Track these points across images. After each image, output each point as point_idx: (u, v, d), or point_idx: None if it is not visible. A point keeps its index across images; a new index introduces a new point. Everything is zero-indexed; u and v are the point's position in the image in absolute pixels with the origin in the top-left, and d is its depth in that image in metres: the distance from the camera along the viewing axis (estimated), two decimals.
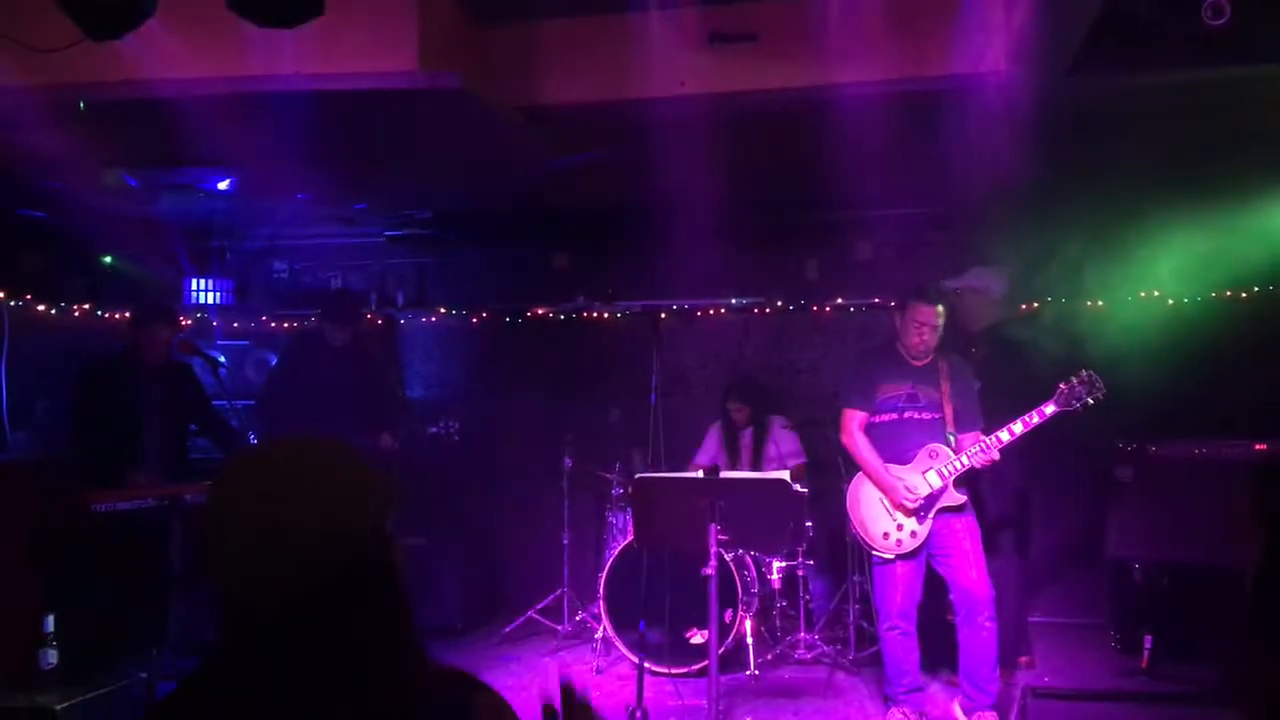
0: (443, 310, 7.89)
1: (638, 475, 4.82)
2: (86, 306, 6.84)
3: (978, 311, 5.76)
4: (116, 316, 7.02)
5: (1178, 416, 6.04)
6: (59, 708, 4.09)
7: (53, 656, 4.32)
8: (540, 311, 7.74)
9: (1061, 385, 4.78)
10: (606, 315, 7.67)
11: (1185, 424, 5.96)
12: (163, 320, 5.56)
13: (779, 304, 7.41)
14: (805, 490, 5.39)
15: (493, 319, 7.85)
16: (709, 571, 4.60)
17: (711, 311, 7.51)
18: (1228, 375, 6.12)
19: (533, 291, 7.78)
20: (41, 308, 6.52)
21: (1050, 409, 4.78)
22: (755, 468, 6.54)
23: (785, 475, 4.46)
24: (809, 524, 6.17)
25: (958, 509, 4.96)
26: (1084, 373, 4.80)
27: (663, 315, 7.35)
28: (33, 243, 6.33)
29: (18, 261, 6.22)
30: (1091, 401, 4.77)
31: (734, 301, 7.48)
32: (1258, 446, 5.63)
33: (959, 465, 4.90)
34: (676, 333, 7.27)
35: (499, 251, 7.82)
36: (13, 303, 6.25)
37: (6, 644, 4.50)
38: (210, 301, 7.54)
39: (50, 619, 4.35)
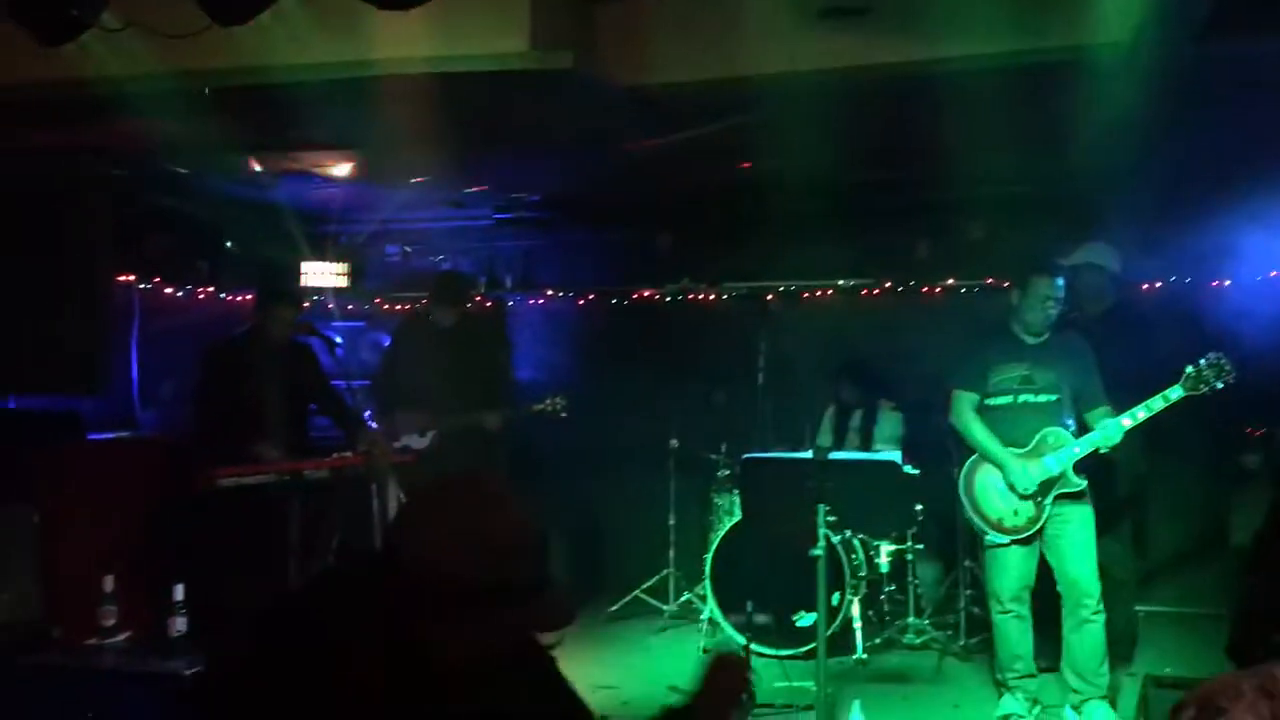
0: (549, 292, 7.97)
1: (745, 456, 4.81)
2: (210, 289, 7.08)
3: (1094, 290, 5.58)
4: (238, 299, 7.25)
5: None
6: (188, 673, 4.25)
7: (182, 624, 4.49)
8: (645, 293, 7.76)
9: (1189, 369, 4.62)
10: (712, 297, 7.66)
11: None
12: (284, 302, 5.72)
13: (888, 285, 7.30)
14: (915, 472, 5.30)
15: (599, 301, 7.90)
16: (817, 552, 4.58)
17: (819, 293, 7.44)
18: None
19: (638, 273, 7.80)
20: (169, 290, 6.77)
21: (1176, 393, 4.63)
22: (864, 450, 6.47)
23: (896, 456, 4.40)
24: (918, 508, 6.06)
25: (1075, 495, 4.83)
26: (1212, 355, 4.63)
27: (769, 297, 7.30)
28: (160, 227, 6.57)
29: (146, 246, 6.47)
30: (1220, 385, 4.61)
31: (841, 283, 7.40)
32: None
33: (1078, 450, 4.77)
34: (783, 314, 7.22)
35: (605, 233, 7.86)
36: (142, 285, 6.50)
37: (138, 611, 4.71)
38: (326, 284, 7.74)
39: (179, 588, 4.52)
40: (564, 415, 6.71)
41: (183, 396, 6.37)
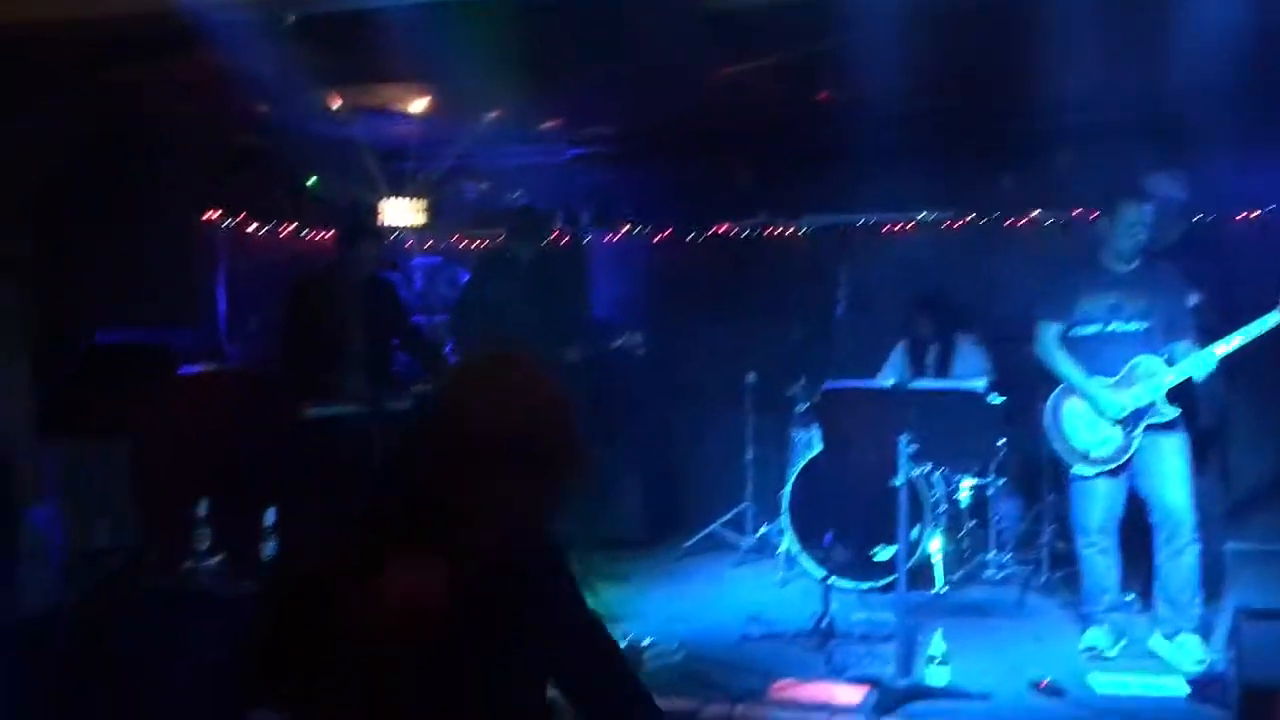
0: (625, 228, 7.94)
1: (826, 385, 4.77)
2: (292, 226, 7.18)
3: (1165, 221, 5.40)
4: (319, 236, 7.35)
5: None
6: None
7: (273, 547, 4.61)
8: (723, 229, 7.70)
9: None
10: (789, 231, 7.57)
11: None
12: (367, 238, 5.78)
13: (971, 217, 7.15)
14: (1000, 401, 5.21)
15: (675, 236, 7.85)
16: (898, 483, 4.55)
17: (899, 226, 7.32)
18: None
19: (716, 209, 7.73)
20: (252, 228, 6.88)
21: (1274, 319, 4.48)
22: None
23: (980, 384, 4.33)
24: (1001, 442, 5.96)
25: (1167, 425, 4.72)
26: None
27: (848, 230, 7.19)
28: (243, 164, 6.66)
29: (230, 182, 6.57)
30: None
31: (923, 215, 7.26)
32: None
33: (1170, 378, 4.65)
34: (862, 248, 7.11)
35: (682, 169, 7.78)
36: (226, 223, 6.62)
37: (231, 536, 4.84)
38: (405, 221, 7.80)
39: (270, 513, 4.64)
40: (641, 351, 6.73)
41: (268, 331, 6.51)
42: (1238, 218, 6.49)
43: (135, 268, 5.51)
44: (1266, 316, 4.50)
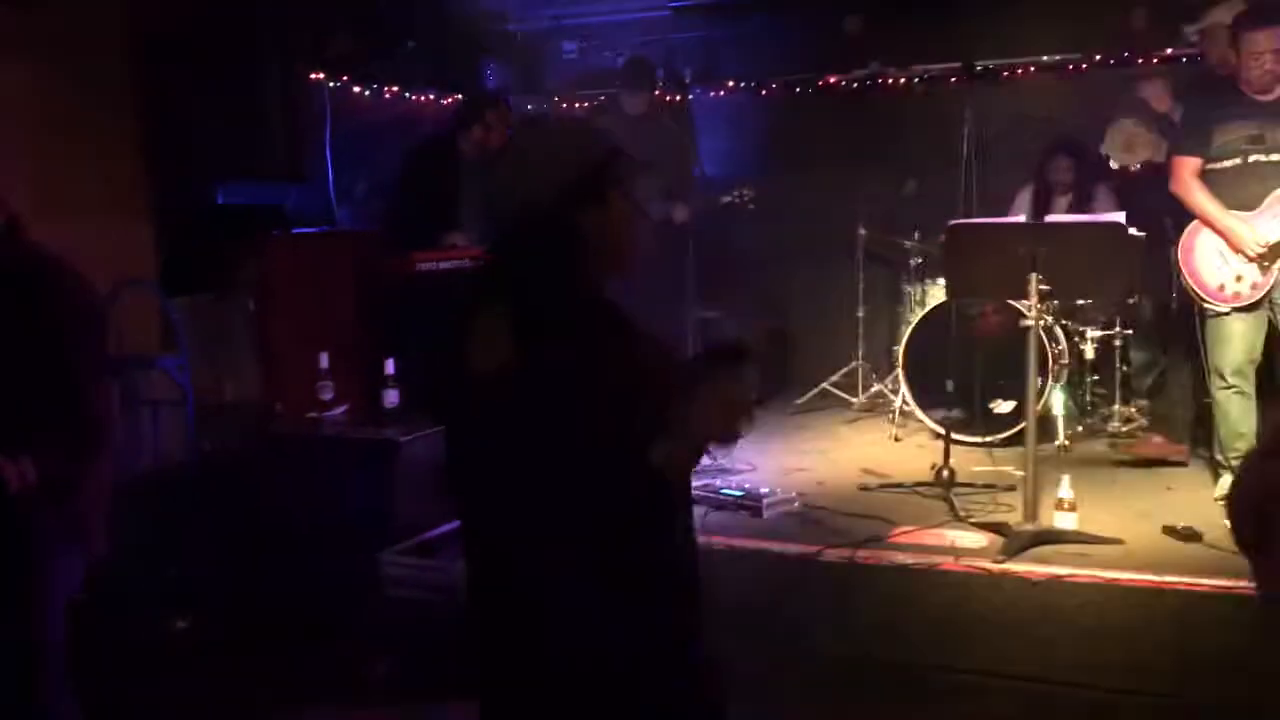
0: (731, 83, 7.70)
1: (952, 221, 4.59)
2: (395, 89, 7.11)
3: (1223, 53, 5.03)
4: (423, 98, 7.27)
5: None
6: (402, 440, 4.44)
7: (395, 396, 4.68)
8: (833, 80, 7.42)
9: None
10: (903, 80, 7.26)
11: None
12: (497, 109, 5.74)
13: (1098, 58, 6.75)
14: (1142, 235, 4.97)
15: (783, 90, 7.60)
16: (1028, 323, 4.40)
17: (1020, 71, 6.95)
18: None
19: (825, 58, 7.44)
20: (356, 90, 6.83)
21: None
22: None
23: (1120, 217, 4.12)
24: (1133, 300, 5.69)
25: None
26: None
27: (965, 78, 6.85)
28: (344, 25, 6.58)
29: (331, 44, 6.49)
30: None
31: (1046, 59, 6.89)
32: None
33: None
34: (981, 95, 6.77)
35: (788, 18, 7.48)
36: (331, 84, 6.57)
37: (353, 387, 4.93)
38: (505, 84, 7.68)
39: (391, 362, 4.69)
40: (751, 206, 6.60)
41: (377, 193, 6.51)
42: None
43: (248, 125, 5.51)
44: None
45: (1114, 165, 5.73)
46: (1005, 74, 6.93)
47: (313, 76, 6.33)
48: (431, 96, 7.29)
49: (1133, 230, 4.54)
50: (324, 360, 4.82)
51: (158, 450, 5.02)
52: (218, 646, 3.82)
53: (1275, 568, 1.28)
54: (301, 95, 6.07)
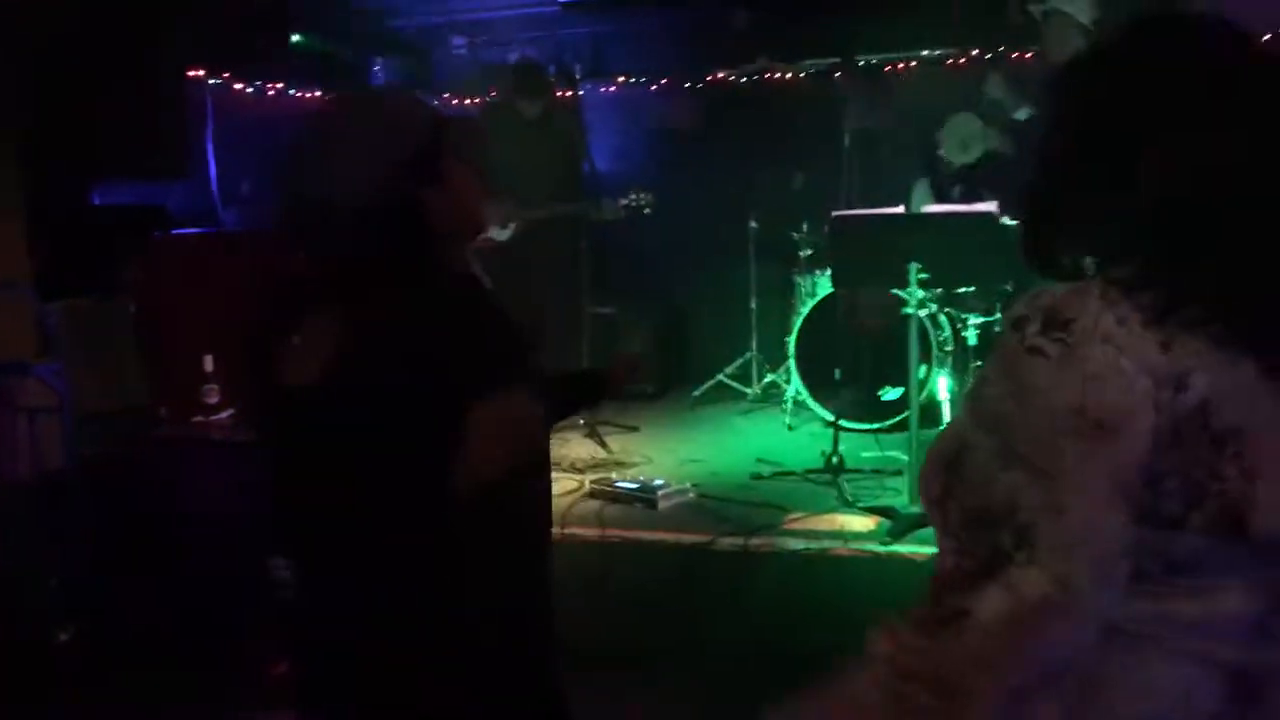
0: (621, 79, 7.75)
1: (835, 213, 4.70)
2: (279, 86, 6.99)
3: (1057, 39, 5.25)
4: (307, 95, 7.16)
5: None
6: None
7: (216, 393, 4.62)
8: (721, 75, 7.51)
9: None
10: (790, 75, 7.39)
11: None
12: (357, 92, 5.63)
13: (975, 53, 6.96)
14: (1015, 224, 5.13)
15: (673, 85, 7.67)
16: (909, 311, 4.52)
17: (901, 65, 7.13)
18: None
19: (713, 54, 7.53)
20: (238, 87, 6.70)
21: None
22: None
23: (993, 207, 4.26)
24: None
25: None
26: None
27: (848, 73, 7.00)
28: (226, 21, 6.44)
29: (214, 40, 6.35)
30: None
31: (925, 53, 7.07)
32: None
33: None
34: (865, 90, 6.92)
35: (676, 13, 7.55)
36: (212, 81, 6.43)
37: (237, 384, 4.83)
38: (394, 81, 7.61)
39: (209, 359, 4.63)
40: (648, 212, 6.63)
41: (262, 193, 6.39)
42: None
43: (125, 120, 5.36)
44: None
45: (950, 161, 5.86)
46: (888, 69, 7.10)
47: (192, 73, 6.19)
48: (318, 94, 7.19)
49: (1006, 219, 4.69)
50: (208, 363, 4.72)
51: (35, 458, 4.87)
52: (104, 658, 3.73)
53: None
54: (181, 92, 5.93)
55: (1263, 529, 1.13)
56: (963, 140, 5.50)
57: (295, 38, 6.91)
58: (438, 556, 1.63)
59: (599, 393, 2.31)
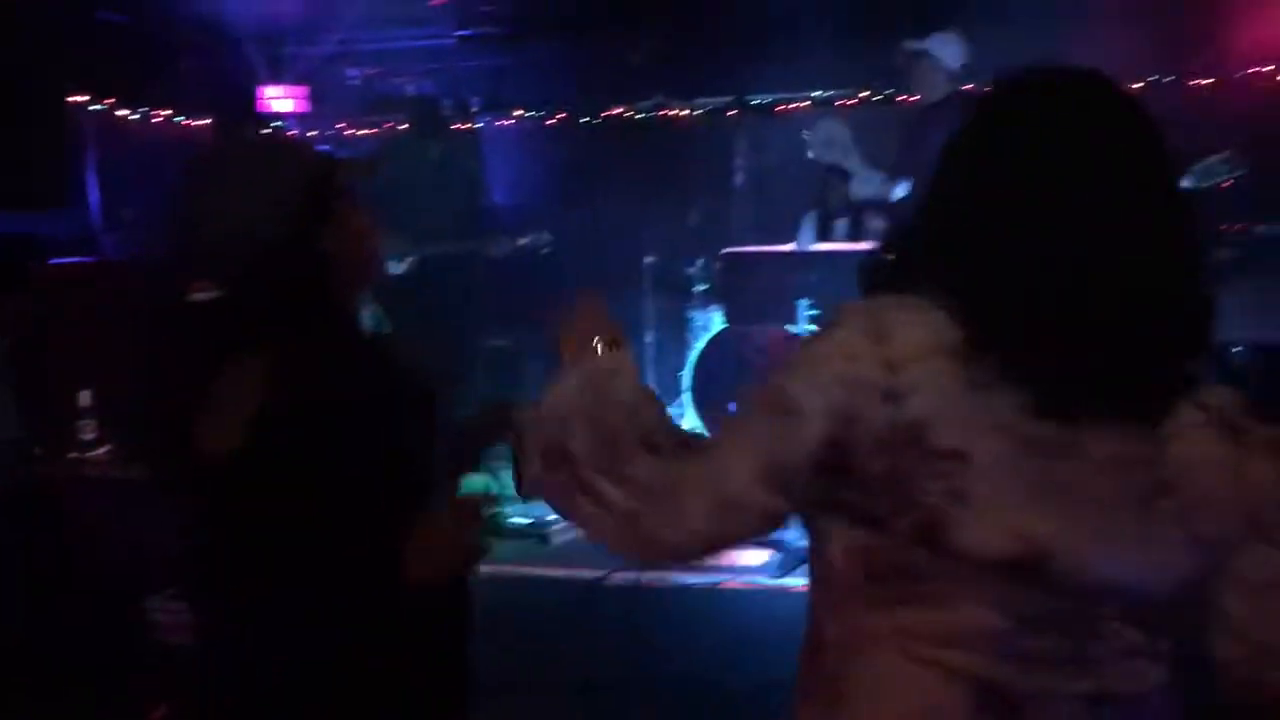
0: (518, 113, 7.76)
1: (726, 250, 4.76)
2: (166, 113, 6.85)
3: (921, 79, 5.47)
4: (194, 123, 7.03)
5: None
6: None
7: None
8: (618, 111, 7.57)
9: (1200, 162, 4.51)
10: (685, 112, 7.49)
11: None
12: (247, 122, 5.55)
13: (864, 95, 7.14)
14: None
15: (570, 120, 7.71)
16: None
17: (793, 105, 7.28)
18: None
19: (610, 90, 7.60)
20: (123, 113, 6.54)
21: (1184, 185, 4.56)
22: None
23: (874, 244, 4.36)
24: None
25: None
26: (1227, 151, 4.52)
27: (743, 110, 7.13)
28: (111, 47, 6.29)
29: (98, 67, 6.20)
30: (1229, 183, 4.52)
31: (816, 94, 7.23)
32: None
33: None
34: (758, 128, 7.07)
35: (574, 48, 7.61)
36: (95, 107, 6.27)
37: (117, 426, 4.68)
38: (285, 109, 7.50)
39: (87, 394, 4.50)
40: (546, 251, 6.63)
41: (146, 221, 6.24)
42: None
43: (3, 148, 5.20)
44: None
45: (810, 155, 6.04)
46: (780, 108, 7.24)
47: (72, 99, 6.03)
48: (207, 121, 7.06)
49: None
50: (85, 398, 4.57)
51: None
52: None
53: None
54: (61, 119, 5.77)
55: (963, 548, 1.18)
56: (829, 137, 5.68)
57: (184, 65, 6.79)
58: (338, 605, 1.61)
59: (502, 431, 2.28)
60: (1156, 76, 6.62)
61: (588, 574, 4.52)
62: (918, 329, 1.21)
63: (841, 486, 1.23)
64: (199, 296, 4.89)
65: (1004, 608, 1.19)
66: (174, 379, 1.68)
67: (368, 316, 5.76)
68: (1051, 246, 1.19)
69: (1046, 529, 1.17)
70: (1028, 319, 1.19)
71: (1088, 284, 1.18)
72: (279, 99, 7.47)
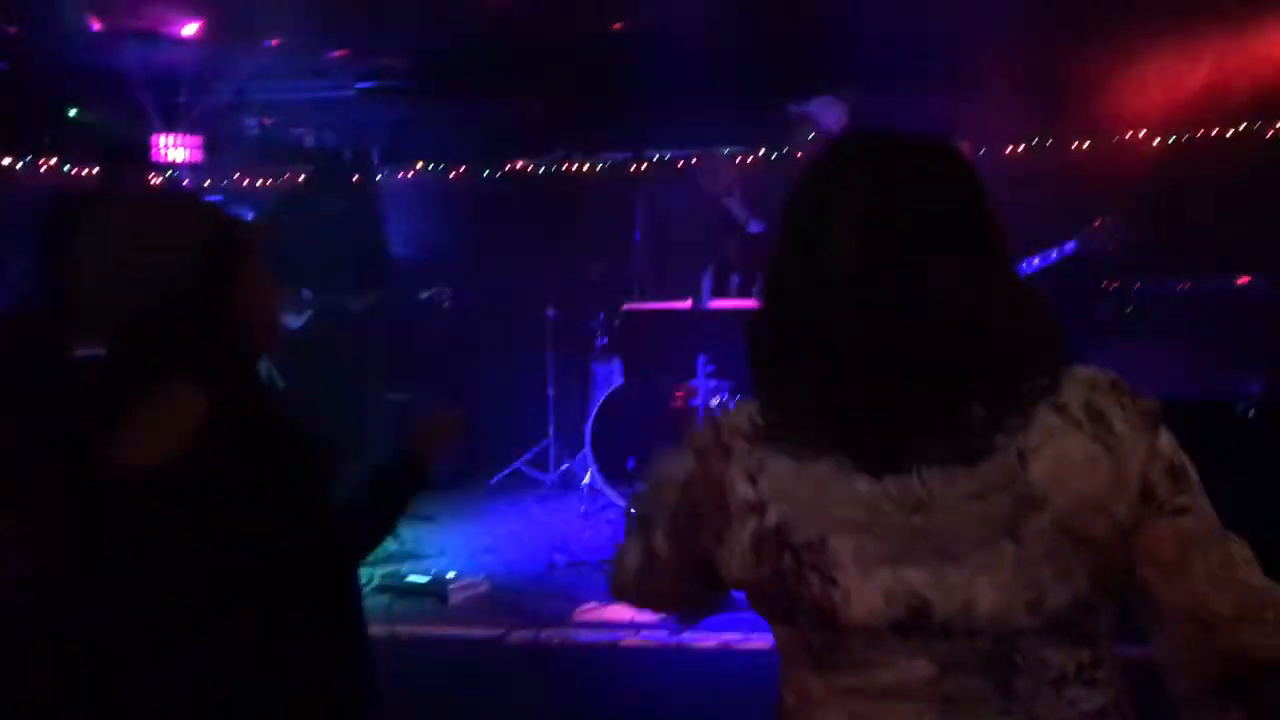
0: (419, 166, 7.74)
1: (625, 306, 4.80)
2: (54, 161, 6.67)
3: (801, 140, 5.67)
4: (84, 173, 6.85)
5: (1161, 258, 6.06)
6: None
7: None
8: (519, 165, 7.60)
9: (1087, 227, 4.71)
10: (587, 167, 7.55)
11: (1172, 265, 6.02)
12: (134, 162, 5.41)
13: (762, 152, 7.29)
14: None
15: (471, 174, 7.71)
16: (696, 403, 4.63)
17: (694, 161, 7.37)
18: (1218, 214, 6.11)
19: (512, 144, 7.63)
20: (7, 161, 6.35)
21: (1069, 248, 4.74)
22: None
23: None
24: None
25: None
26: (1108, 219, 4.73)
27: (645, 166, 7.22)
28: None
29: None
30: (1109, 250, 4.72)
31: (714, 150, 7.35)
32: (1240, 280, 5.66)
33: None
34: (661, 184, 7.16)
35: (476, 102, 7.61)
36: None
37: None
38: (180, 158, 7.35)
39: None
40: (446, 305, 6.60)
41: (30, 274, 6.03)
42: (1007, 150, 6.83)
43: None
44: (1066, 244, 4.82)
45: (701, 188, 6.18)
46: (681, 164, 7.34)
47: None
48: (95, 170, 6.88)
49: None
50: None
51: None
52: None
53: None
54: None
55: (855, 624, 1.21)
56: (714, 169, 5.87)
57: (73, 112, 6.62)
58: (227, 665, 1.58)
59: (418, 482, 2.24)
60: (1036, 140, 6.91)
61: (486, 632, 4.47)
62: (741, 422, 1.29)
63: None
64: (82, 353, 4.76)
65: (930, 656, 1.21)
66: (48, 433, 1.64)
67: (261, 370, 5.67)
68: (834, 301, 1.21)
69: (918, 580, 1.19)
70: (817, 386, 1.22)
71: (871, 339, 1.19)
72: (173, 148, 7.32)
